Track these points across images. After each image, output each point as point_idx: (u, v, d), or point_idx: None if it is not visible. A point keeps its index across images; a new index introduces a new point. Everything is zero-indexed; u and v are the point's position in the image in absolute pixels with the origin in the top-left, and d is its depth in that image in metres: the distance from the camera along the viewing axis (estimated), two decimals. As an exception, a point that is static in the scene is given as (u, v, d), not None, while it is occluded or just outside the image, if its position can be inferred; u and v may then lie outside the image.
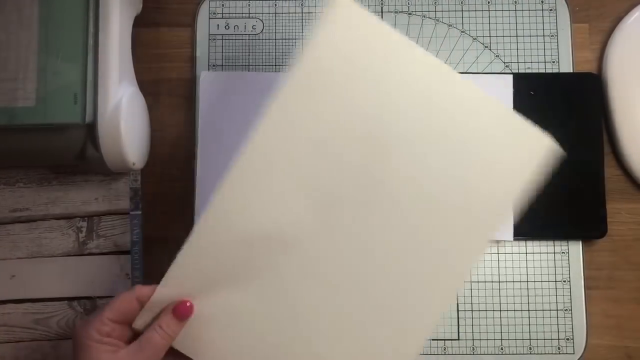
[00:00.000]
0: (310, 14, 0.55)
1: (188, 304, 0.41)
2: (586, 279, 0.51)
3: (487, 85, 0.52)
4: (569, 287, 0.51)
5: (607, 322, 0.52)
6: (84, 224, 0.53)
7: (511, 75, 0.53)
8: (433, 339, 0.51)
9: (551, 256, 0.52)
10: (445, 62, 0.54)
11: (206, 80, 0.53)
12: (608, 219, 0.51)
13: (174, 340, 0.41)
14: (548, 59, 0.54)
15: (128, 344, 0.41)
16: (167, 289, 0.41)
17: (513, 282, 0.52)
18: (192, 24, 0.55)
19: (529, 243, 0.52)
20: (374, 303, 0.41)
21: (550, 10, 0.55)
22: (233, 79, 0.53)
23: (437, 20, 0.55)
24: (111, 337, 0.40)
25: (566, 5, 0.55)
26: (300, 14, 0.55)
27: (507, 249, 0.52)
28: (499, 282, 0.52)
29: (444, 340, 0.51)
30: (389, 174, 0.42)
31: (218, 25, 0.55)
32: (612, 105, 0.52)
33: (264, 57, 0.54)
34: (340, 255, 0.41)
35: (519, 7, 0.55)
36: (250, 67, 0.54)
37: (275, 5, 0.55)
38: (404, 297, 0.41)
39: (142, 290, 0.41)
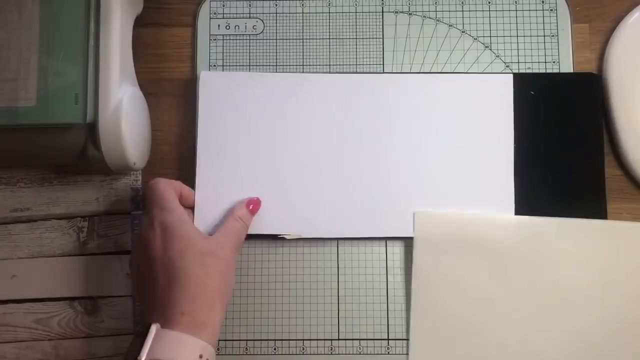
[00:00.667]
0: (311, 14, 0.55)
1: (257, 200, 0.50)
2: (586, 279, 0.51)
3: (487, 85, 0.52)
4: (569, 287, 0.51)
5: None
6: (85, 223, 0.53)
7: (511, 75, 0.52)
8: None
9: (551, 256, 0.52)
10: (446, 63, 0.54)
11: (206, 80, 0.52)
12: (609, 219, 0.51)
13: (247, 229, 0.49)
14: (548, 59, 0.54)
15: None
16: None
17: (513, 282, 0.52)
18: (192, 24, 0.55)
19: (530, 243, 0.52)
20: None
21: (551, 10, 0.55)
22: (233, 79, 0.53)
23: (438, 20, 0.55)
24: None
25: (566, 5, 0.55)
26: (300, 14, 0.55)
27: (508, 249, 0.52)
28: (500, 282, 0.52)
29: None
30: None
31: (218, 25, 0.55)
32: (613, 105, 0.52)
33: (264, 57, 0.54)
34: None
35: (519, 7, 0.55)
36: (251, 67, 0.54)
37: (276, 5, 0.55)
38: None
39: (163, 180, 0.48)
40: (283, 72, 0.54)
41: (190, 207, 0.50)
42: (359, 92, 0.52)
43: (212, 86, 0.52)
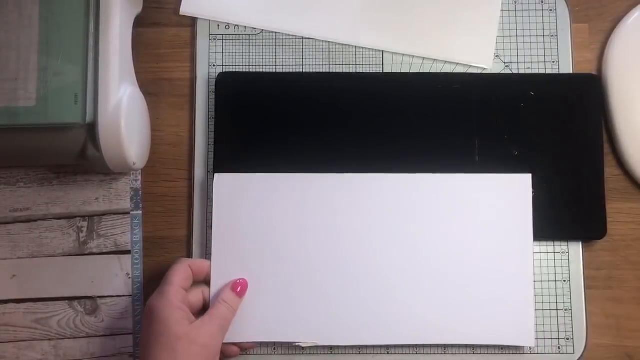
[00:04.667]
0: (311, 14, 0.55)
1: (244, 282, 0.49)
2: (586, 279, 0.51)
3: (505, 186, 0.50)
4: (569, 287, 0.51)
5: (607, 322, 0.52)
6: (85, 223, 0.53)
7: (529, 175, 0.50)
8: (434, 344, 0.50)
9: (551, 256, 0.52)
10: (446, 63, 0.54)
11: (220, 182, 0.51)
12: (608, 219, 0.51)
13: (235, 312, 0.48)
14: (548, 59, 0.54)
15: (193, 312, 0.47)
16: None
17: (513, 282, 0.52)
18: (192, 24, 0.55)
19: (529, 243, 0.52)
20: None
21: (550, 10, 0.55)
22: (246, 180, 0.51)
23: (437, 20, 0.55)
24: (184, 303, 0.46)
25: (566, 5, 0.55)
26: (300, 14, 0.55)
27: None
28: (499, 282, 0.52)
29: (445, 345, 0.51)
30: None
31: (218, 25, 0.55)
32: (612, 105, 0.52)
33: (264, 57, 0.54)
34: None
35: (519, 7, 0.55)
36: (251, 67, 0.54)
37: (276, 5, 0.55)
38: None
39: (189, 260, 0.49)
40: (300, 172, 0.51)
41: (207, 282, 0.50)
42: (374, 192, 0.50)
43: (225, 188, 0.51)
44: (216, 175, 0.51)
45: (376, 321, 0.49)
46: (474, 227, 0.50)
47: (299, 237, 0.50)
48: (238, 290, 0.49)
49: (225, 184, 0.51)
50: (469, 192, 0.50)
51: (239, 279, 0.49)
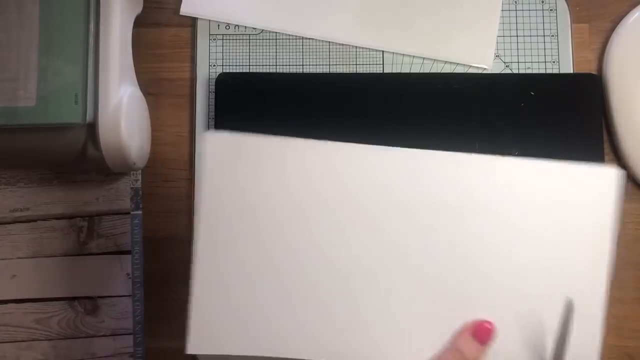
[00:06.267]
0: (311, 14, 0.55)
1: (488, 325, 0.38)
2: (586, 278, 0.51)
3: (584, 181, 0.41)
4: (569, 287, 0.51)
5: (607, 322, 0.52)
6: (85, 224, 0.53)
7: (614, 170, 0.41)
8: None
9: (551, 256, 0.52)
10: (446, 62, 0.54)
11: (210, 145, 0.40)
12: (608, 219, 0.51)
13: None
14: (548, 59, 0.54)
15: None
16: None
17: (513, 282, 0.51)
18: (192, 24, 0.55)
19: (529, 243, 0.52)
20: None
21: (551, 10, 0.55)
22: (244, 144, 0.40)
23: (437, 20, 0.55)
24: None
25: (566, 5, 0.55)
26: (300, 14, 0.55)
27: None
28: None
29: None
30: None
31: (218, 25, 0.55)
32: (612, 105, 0.52)
33: (264, 57, 0.55)
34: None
35: (519, 7, 0.55)
36: (251, 67, 0.54)
37: (276, 5, 0.55)
38: None
39: None
40: (297, 135, 0.41)
41: None
42: (410, 170, 0.41)
43: (220, 155, 0.40)
44: (206, 134, 0.40)
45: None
46: (537, 230, 0.40)
47: (308, 231, 0.40)
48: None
49: (220, 148, 0.40)
50: (537, 184, 0.40)
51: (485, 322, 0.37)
